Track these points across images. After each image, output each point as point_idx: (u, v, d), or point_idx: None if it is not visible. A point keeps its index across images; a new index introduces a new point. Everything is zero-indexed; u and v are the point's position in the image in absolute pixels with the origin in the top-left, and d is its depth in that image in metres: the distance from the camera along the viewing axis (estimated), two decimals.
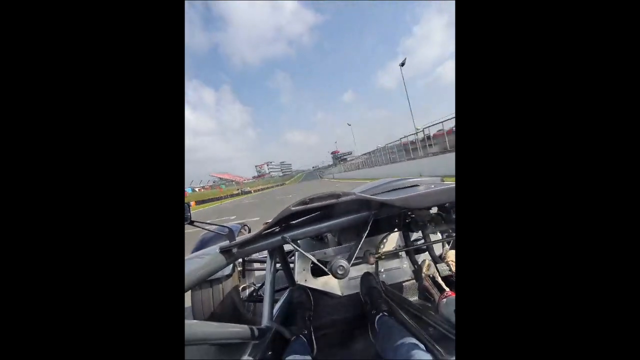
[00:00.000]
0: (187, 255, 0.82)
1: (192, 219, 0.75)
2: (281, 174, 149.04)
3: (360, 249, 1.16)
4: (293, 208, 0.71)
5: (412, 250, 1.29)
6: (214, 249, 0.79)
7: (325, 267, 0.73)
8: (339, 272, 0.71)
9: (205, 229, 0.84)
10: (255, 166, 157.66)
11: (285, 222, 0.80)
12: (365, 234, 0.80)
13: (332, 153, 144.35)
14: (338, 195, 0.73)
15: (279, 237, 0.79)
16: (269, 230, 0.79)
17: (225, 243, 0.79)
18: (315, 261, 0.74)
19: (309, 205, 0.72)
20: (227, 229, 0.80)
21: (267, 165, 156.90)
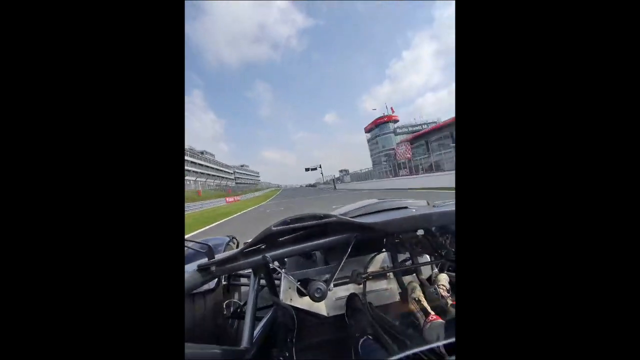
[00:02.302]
0: None
1: None
2: (232, 185, 66.84)
3: (346, 269, 1.15)
4: (274, 228, 0.72)
5: (399, 272, 1.28)
6: (192, 266, 0.79)
7: (305, 290, 0.73)
8: (316, 295, 0.71)
9: (186, 247, 0.84)
10: None
11: (266, 241, 0.80)
12: (346, 256, 0.81)
13: (369, 128, 47.41)
14: (319, 217, 0.74)
15: (260, 256, 0.79)
16: (249, 249, 0.79)
17: (204, 261, 0.79)
18: (296, 283, 0.75)
19: (290, 226, 0.73)
20: (206, 246, 0.80)
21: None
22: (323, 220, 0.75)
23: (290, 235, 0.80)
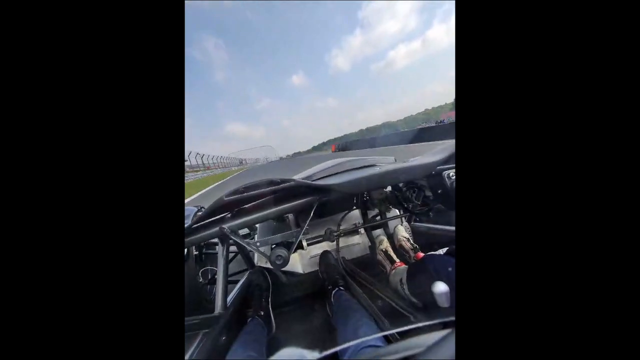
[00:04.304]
0: None
1: None
2: None
3: (320, 228, 1.15)
4: (226, 198, 0.68)
5: (368, 227, 1.35)
6: None
7: (266, 257, 0.72)
8: (277, 262, 0.71)
9: None
10: None
11: (220, 212, 0.76)
12: (309, 219, 0.80)
13: None
14: (276, 183, 0.70)
15: (216, 229, 0.75)
16: (200, 224, 0.75)
17: None
18: (255, 249, 0.74)
19: (244, 195, 0.69)
20: None
21: None
22: (280, 186, 0.71)
23: (248, 204, 0.76)
